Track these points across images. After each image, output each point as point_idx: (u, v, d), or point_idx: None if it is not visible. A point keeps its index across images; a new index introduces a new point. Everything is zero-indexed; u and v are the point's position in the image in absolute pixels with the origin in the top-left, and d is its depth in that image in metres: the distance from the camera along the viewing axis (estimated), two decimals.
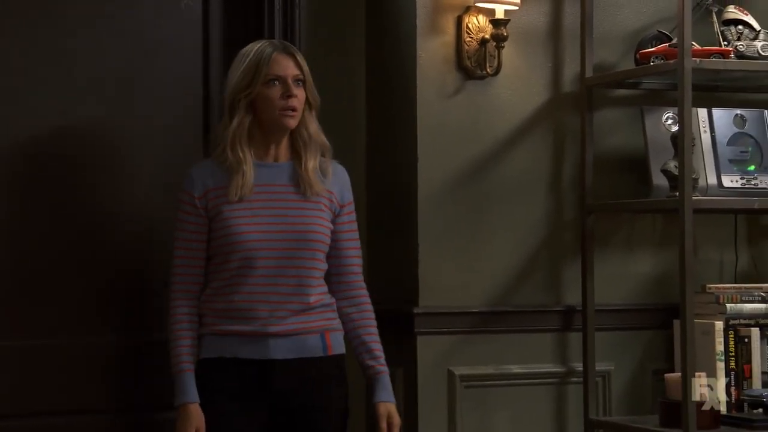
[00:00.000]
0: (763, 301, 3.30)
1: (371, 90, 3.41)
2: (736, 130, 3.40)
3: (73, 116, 3.05)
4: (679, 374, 3.06)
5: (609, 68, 3.38)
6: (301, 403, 2.68)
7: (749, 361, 3.24)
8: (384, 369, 2.78)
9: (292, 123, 2.73)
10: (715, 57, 3.21)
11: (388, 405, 2.77)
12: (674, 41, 3.19)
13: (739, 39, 3.32)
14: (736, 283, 3.42)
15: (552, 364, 3.31)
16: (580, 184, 3.34)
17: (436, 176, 3.23)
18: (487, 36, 3.27)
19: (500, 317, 3.26)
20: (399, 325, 3.22)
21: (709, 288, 3.31)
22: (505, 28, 3.25)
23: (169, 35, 3.13)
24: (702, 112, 3.38)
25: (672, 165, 3.18)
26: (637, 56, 3.31)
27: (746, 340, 3.24)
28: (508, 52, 3.28)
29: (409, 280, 3.22)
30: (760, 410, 3.12)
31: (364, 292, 2.84)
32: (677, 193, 3.09)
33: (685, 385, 3.00)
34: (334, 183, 2.80)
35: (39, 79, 3.03)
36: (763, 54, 3.30)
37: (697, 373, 3.05)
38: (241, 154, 2.70)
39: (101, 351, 3.02)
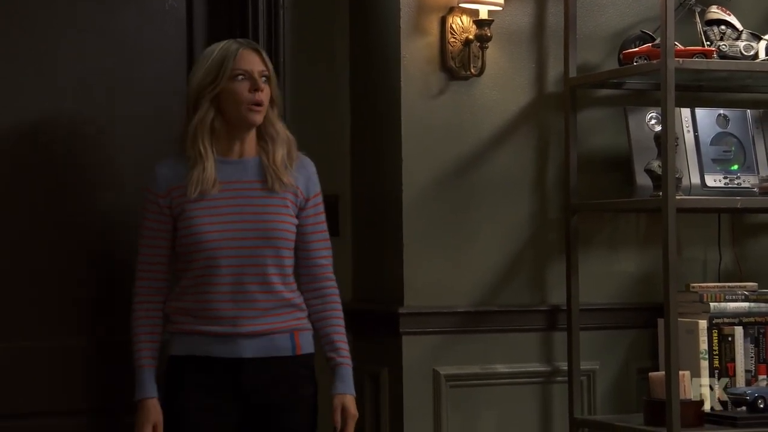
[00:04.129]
0: (747, 299, 3.31)
1: (355, 90, 3.41)
2: (720, 129, 3.41)
3: (56, 116, 3.04)
4: (663, 373, 3.07)
5: (592, 68, 3.39)
6: (270, 402, 2.69)
7: (733, 360, 3.25)
8: (344, 361, 2.78)
9: (258, 118, 2.73)
10: (697, 57, 3.22)
11: (343, 397, 2.77)
12: (657, 41, 3.20)
13: (722, 39, 3.34)
14: (719, 282, 3.43)
15: (537, 363, 3.32)
16: (564, 184, 3.35)
17: (420, 176, 3.23)
18: (471, 36, 3.27)
19: (485, 317, 3.26)
20: (384, 325, 3.23)
21: (693, 287, 3.32)
22: (488, 28, 3.26)
23: (153, 36, 3.13)
24: (685, 112, 3.40)
25: (655, 164, 3.19)
26: (621, 56, 3.32)
27: (730, 338, 3.26)
28: (492, 52, 3.29)
29: (394, 280, 3.22)
30: (744, 408, 3.13)
31: (331, 284, 2.83)
32: (660, 193, 3.10)
33: (670, 383, 3.01)
34: (300, 176, 2.80)
35: (22, 80, 3.02)
36: (745, 54, 3.31)
37: (681, 372, 3.06)
38: (201, 149, 2.69)
39: (75, 353, 3.00)
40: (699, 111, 3.42)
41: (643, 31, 3.36)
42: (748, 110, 3.47)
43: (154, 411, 2.68)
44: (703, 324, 3.24)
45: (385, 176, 3.29)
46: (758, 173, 3.38)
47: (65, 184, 3.04)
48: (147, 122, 3.13)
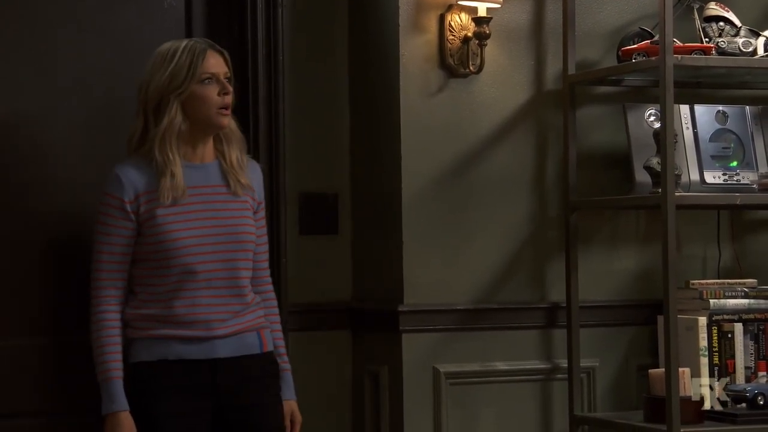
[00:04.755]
0: (746, 296, 3.31)
1: (354, 88, 3.41)
2: (718, 126, 3.42)
3: (55, 116, 3.04)
4: (663, 370, 3.07)
5: (591, 65, 3.39)
6: (244, 399, 2.68)
7: (732, 357, 3.25)
8: (288, 367, 2.83)
9: (227, 122, 2.72)
10: (696, 54, 3.22)
11: (292, 402, 2.81)
12: (656, 38, 3.20)
13: (720, 35, 3.33)
14: (719, 278, 3.43)
15: (537, 360, 3.32)
16: (563, 182, 3.35)
17: (419, 174, 3.23)
18: (470, 34, 3.27)
19: (485, 314, 3.26)
20: (384, 323, 3.23)
21: (693, 284, 3.32)
22: (487, 26, 3.26)
23: (152, 35, 3.12)
24: (684, 109, 3.40)
25: (654, 161, 3.19)
26: (619, 53, 3.32)
27: (729, 335, 3.26)
28: (490, 49, 3.29)
29: (393, 278, 3.23)
30: (744, 405, 3.14)
31: (271, 287, 2.87)
32: (660, 190, 3.11)
33: (669, 380, 3.02)
34: (253, 179, 2.80)
35: (20, 79, 3.02)
36: (744, 50, 3.31)
37: (681, 369, 3.07)
38: (170, 155, 2.65)
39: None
40: (698, 108, 3.42)
41: (641, 28, 3.36)
42: (747, 107, 3.46)
43: (128, 424, 2.63)
44: (702, 321, 3.24)
45: (384, 174, 3.29)
46: (757, 170, 3.38)
47: (56, 179, 3.01)
48: None
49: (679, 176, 3.21)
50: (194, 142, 2.72)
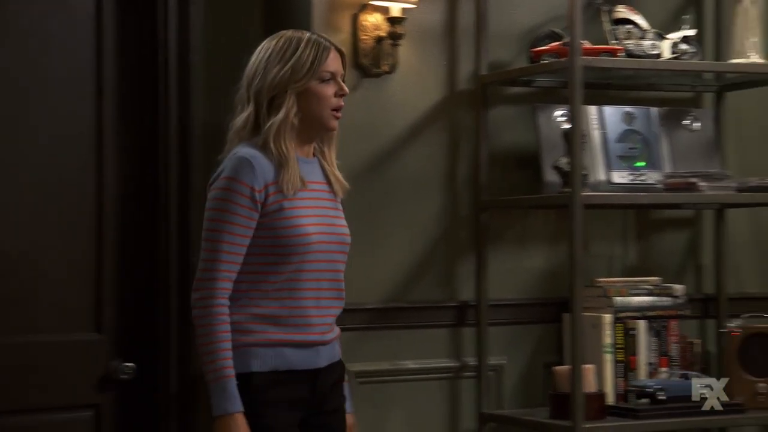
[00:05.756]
0: (650, 294, 3.39)
1: None
2: (626, 127, 3.48)
3: None
4: (568, 367, 3.14)
5: (503, 66, 3.44)
6: (328, 405, 2.59)
7: (635, 353, 3.34)
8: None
9: (335, 125, 2.59)
10: (604, 55, 3.28)
11: (351, 416, 2.70)
12: (566, 40, 3.25)
13: (628, 38, 3.40)
14: (625, 277, 3.50)
15: (446, 359, 3.37)
16: (474, 181, 3.40)
17: None
18: (383, 34, 3.29)
19: (395, 313, 3.30)
20: None
21: (598, 282, 3.39)
22: (401, 26, 3.28)
23: (60, 31, 3.08)
24: (593, 110, 3.46)
25: (563, 161, 3.24)
26: (531, 54, 3.37)
27: (633, 332, 3.34)
28: (404, 50, 3.32)
29: None
30: (646, 400, 3.22)
31: None
32: (568, 189, 3.16)
33: (574, 377, 3.08)
34: None
35: None
36: (650, 53, 3.38)
37: (585, 366, 3.14)
38: (285, 149, 2.51)
39: None
40: (606, 109, 3.48)
41: (552, 30, 3.41)
42: (654, 108, 3.54)
43: (244, 427, 2.43)
44: (607, 318, 3.32)
45: None
46: (663, 170, 3.46)
47: None
48: (51, 119, 3.08)
49: (586, 176, 3.26)
50: (302, 137, 2.58)
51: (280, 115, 2.52)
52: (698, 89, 3.64)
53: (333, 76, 2.57)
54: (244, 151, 2.51)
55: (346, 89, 2.60)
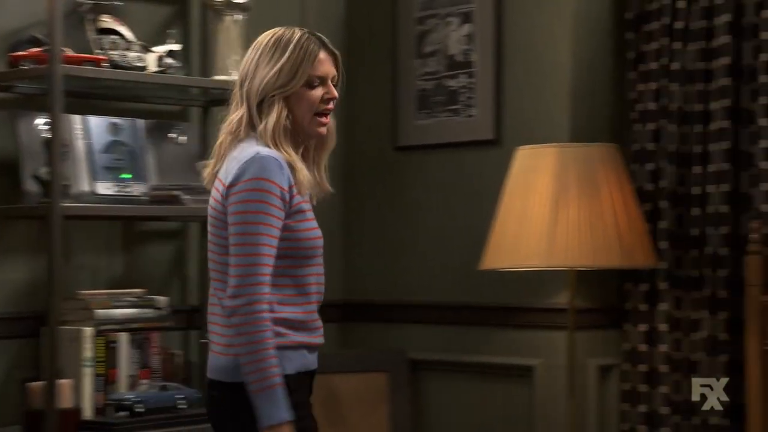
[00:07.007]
0: (134, 306, 3.39)
1: None
2: (111, 138, 3.46)
3: None
4: (43, 382, 3.04)
5: None
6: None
7: (116, 366, 3.30)
8: None
9: (322, 131, 2.48)
10: (88, 65, 3.24)
11: None
12: (47, 46, 3.17)
13: (114, 48, 3.38)
14: (110, 289, 3.46)
15: None
16: None
17: None
18: None
19: None
20: None
21: (80, 294, 3.33)
22: None
23: None
24: (77, 119, 3.40)
25: (43, 171, 3.17)
26: (9, 59, 3.24)
27: (114, 345, 3.31)
28: None
29: None
30: (125, 413, 3.19)
31: None
32: (48, 200, 3.08)
33: (48, 392, 2.99)
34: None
35: None
36: (136, 65, 3.38)
37: (62, 381, 3.06)
38: (287, 149, 2.43)
39: None
40: (91, 119, 3.43)
41: (34, 35, 3.31)
42: (140, 120, 3.54)
43: None
44: (88, 331, 3.26)
45: None
46: (148, 182, 3.47)
47: None
48: None
49: (69, 186, 3.20)
50: (294, 140, 2.46)
51: (271, 119, 2.44)
52: (185, 103, 3.70)
53: (322, 81, 2.46)
54: (268, 151, 2.42)
55: (335, 93, 2.48)
